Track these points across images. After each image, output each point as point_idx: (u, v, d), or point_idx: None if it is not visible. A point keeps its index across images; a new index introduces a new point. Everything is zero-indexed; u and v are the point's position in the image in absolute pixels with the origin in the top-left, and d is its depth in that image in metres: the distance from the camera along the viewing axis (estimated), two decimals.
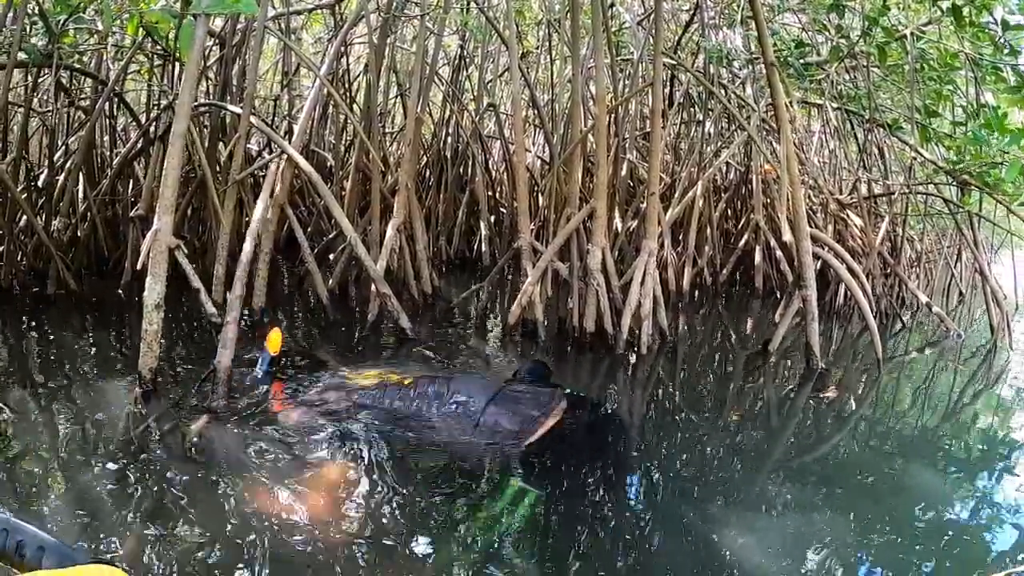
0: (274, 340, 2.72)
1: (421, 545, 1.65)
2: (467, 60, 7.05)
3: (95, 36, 4.84)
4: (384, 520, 1.76)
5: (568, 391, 2.55)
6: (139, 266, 2.56)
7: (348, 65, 6.54)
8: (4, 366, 2.87)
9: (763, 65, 3.68)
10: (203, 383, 2.52)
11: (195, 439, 2.11)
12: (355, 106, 6.70)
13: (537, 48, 7.29)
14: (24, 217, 4.11)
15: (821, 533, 1.80)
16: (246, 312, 3.63)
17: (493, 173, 7.65)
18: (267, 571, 1.50)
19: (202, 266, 4.29)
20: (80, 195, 4.69)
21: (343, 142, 6.77)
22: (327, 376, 2.66)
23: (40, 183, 4.88)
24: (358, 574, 1.55)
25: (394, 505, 1.83)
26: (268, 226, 3.51)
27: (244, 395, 2.51)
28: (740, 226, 6.75)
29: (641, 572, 1.63)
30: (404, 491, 1.90)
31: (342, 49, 5.62)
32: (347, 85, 6.52)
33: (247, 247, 3.05)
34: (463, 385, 2.45)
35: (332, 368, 2.80)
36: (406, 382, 2.49)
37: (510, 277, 5.48)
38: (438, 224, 6.52)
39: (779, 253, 5.78)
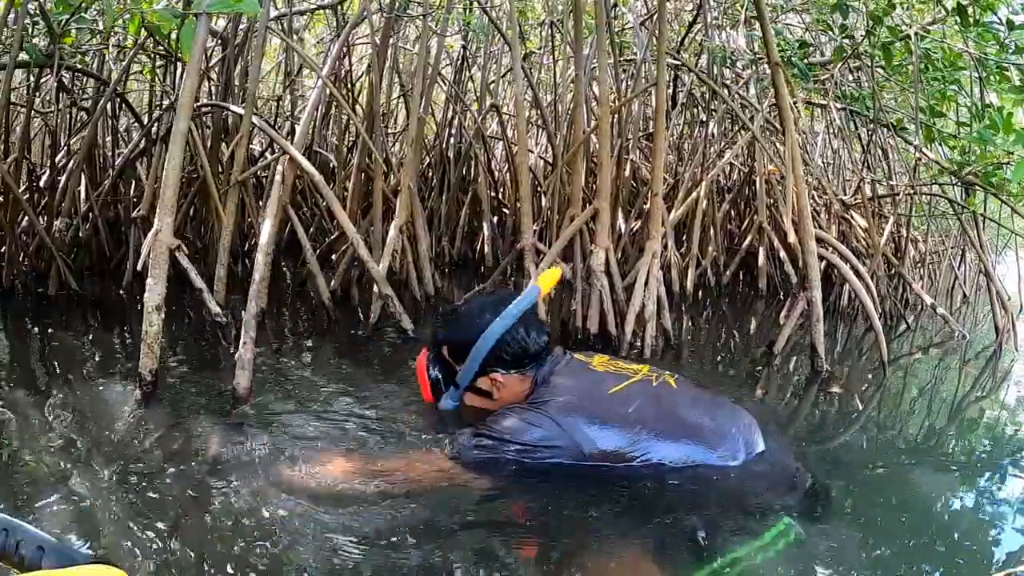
0: (550, 278, 2.12)
1: None
2: (470, 60, 7.05)
3: (97, 36, 4.85)
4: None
5: None
6: (139, 267, 2.55)
7: (351, 65, 6.53)
8: (5, 366, 2.86)
9: (767, 65, 3.66)
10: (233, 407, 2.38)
11: (207, 444, 2.08)
12: (357, 106, 6.70)
13: (540, 48, 7.28)
14: (26, 217, 4.11)
15: (822, 532, 1.78)
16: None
17: (496, 174, 7.63)
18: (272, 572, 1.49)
19: (204, 267, 4.28)
20: (82, 195, 4.69)
21: (345, 143, 6.76)
22: (561, 358, 2.03)
23: (42, 183, 4.88)
24: None
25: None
26: (272, 231, 3.49)
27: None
28: (744, 227, 6.74)
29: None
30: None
31: (344, 49, 5.62)
32: (349, 85, 6.51)
33: (259, 267, 2.95)
34: (719, 398, 2.02)
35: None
36: (671, 380, 1.95)
37: (513, 278, 5.46)
38: (441, 225, 6.51)
39: (783, 254, 5.76)
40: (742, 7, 5.47)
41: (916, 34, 4.35)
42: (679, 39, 6.02)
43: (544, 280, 2.09)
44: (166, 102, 4.83)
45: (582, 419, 1.81)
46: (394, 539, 1.63)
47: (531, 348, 1.99)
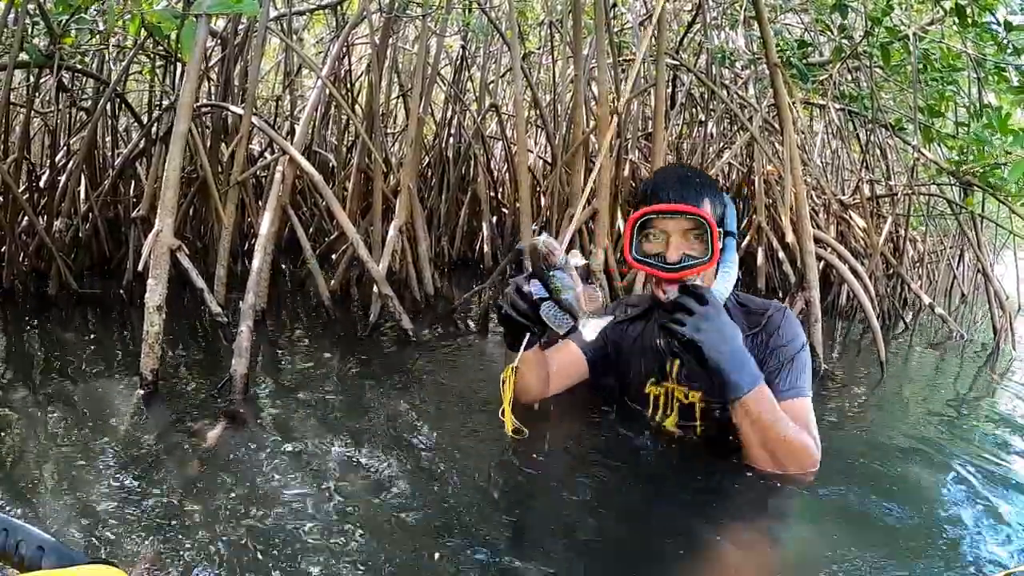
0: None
1: None
2: (469, 60, 7.05)
3: (97, 36, 4.85)
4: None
5: None
6: (140, 267, 2.56)
7: (350, 65, 6.54)
8: (5, 366, 2.87)
9: (766, 65, 3.67)
10: (220, 391, 2.47)
11: (208, 444, 2.09)
12: (357, 107, 6.71)
13: (539, 48, 7.29)
14: (26, 217, 4.11)
15: (820, 533, 1.79)
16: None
17: (495, 173, 7.65)
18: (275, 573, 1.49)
19: (204, 267, 4.29)
20: (82, 196, 4.70)
21: (345, 143, 6.77)
22: None
23: (42, 183, 4.89)
24: None
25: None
26: (271, 227, 3.50)
27: None
28: (742, 227, 6.74)
29: (640, 572, 1.61)
30: None
31: (344, 49, 5.62)
32: (349, 85, 6.52)
33: (257, 259, 2.99)
34: None
35: None
36: None
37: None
38: (440, 225, 6.51)
39: (781, 254, 5.77)
40: (741, 7, 5.48)
41: (914, 34, 4.36)
42: (678, 39, 6.02)
43: None
44: (166, 102, 4.84)
45: None
46: (395, 537, 1.63)
47: None
